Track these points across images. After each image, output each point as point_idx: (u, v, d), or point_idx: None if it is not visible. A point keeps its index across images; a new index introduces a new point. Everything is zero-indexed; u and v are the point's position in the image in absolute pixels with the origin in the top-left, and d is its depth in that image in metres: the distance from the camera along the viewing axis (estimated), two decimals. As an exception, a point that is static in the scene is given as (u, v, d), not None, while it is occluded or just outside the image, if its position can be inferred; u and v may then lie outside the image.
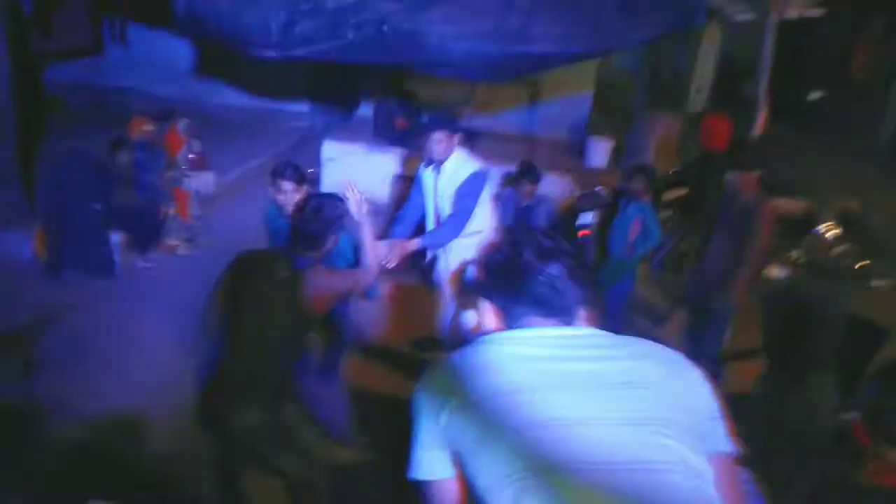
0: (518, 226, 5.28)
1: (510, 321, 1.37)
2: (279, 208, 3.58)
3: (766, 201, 3.80)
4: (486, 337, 1.34)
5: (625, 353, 1.29)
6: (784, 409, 2.25)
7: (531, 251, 1.36)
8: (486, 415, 1.21)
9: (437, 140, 3.73)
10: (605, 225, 5.40)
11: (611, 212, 5.26)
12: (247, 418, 2.60)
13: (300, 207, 2.77)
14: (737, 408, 3.43)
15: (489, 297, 1.41)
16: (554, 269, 1.34)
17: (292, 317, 2.60)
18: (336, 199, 2.87)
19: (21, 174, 5.53)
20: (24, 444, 3.53)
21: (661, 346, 1.35)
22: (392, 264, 3.55)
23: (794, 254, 6.75)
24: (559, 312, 1.34)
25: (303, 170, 3.62)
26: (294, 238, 2.74)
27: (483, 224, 3.93)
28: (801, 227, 6.95)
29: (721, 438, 1.27)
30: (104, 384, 4.02)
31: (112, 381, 4.06)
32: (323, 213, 2.72)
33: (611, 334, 1.35)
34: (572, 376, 1.23)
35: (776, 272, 6.16)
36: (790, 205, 7.09)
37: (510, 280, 1.37)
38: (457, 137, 3.79)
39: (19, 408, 3.75)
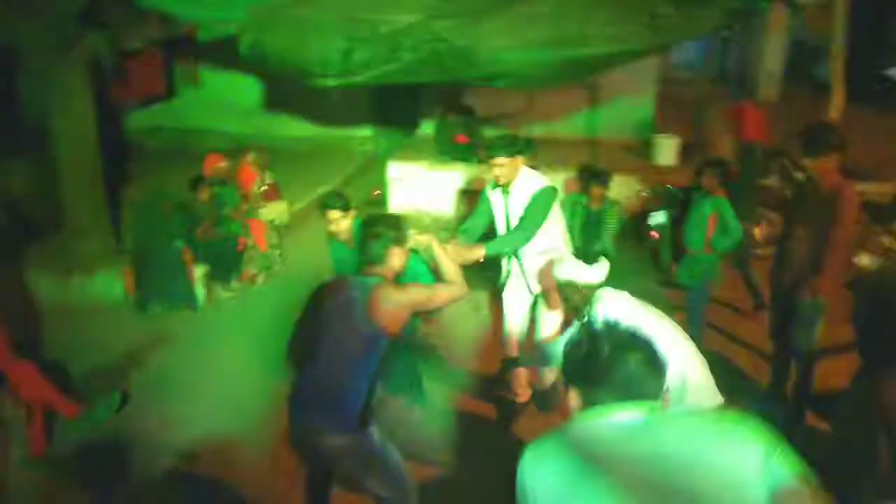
0: (587, 237, 5.24)
1: (592, 407, 1.52)
2: (336, 237, 3.69)
3: (849, 186, 3.60)
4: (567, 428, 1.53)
5: (680, 445, 1.44)
6: (882, 401, 2.12)
7: (610, 344, 1.51)
8: None
9: (499, 165, 3.72)
10: (680, 223, 5.27)
11: (685, 209, 5.12)
12: (334, 441, 2.66)
13: (362, 224, 2.83)
14: (835, 406, 3.29)
15: (573, 383, 1.57)
16: (632, 360, 1.49)
17: (361, 337, 2.64)
18: (390, 217, 2.91)
19: (109, 217, 5.86)
20: (123, 474, 3.71)
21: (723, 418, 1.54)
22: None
23: (885, 240, 6.40)
24: (638, 399, 1.49)
25: (347, 196, 3.71)
26: (360, 259, 2.80)
27: (555, 241, 3.88)
28: (890, 212, 6.59)
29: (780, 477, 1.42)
30: (195, 412, 4.19)
31: (202, 409, 4.22)
32: (376, 229, 2.77)
33: (676, 416, 1.53)
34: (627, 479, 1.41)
35: (867, 260, 5.86)
36: (876, 189, 6.73)
37: (591, 371, 1.53)
38: (520, 159, 3.76)
39: (118, 439, 3.95)
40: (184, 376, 4.62)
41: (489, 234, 4.02)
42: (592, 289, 2.92)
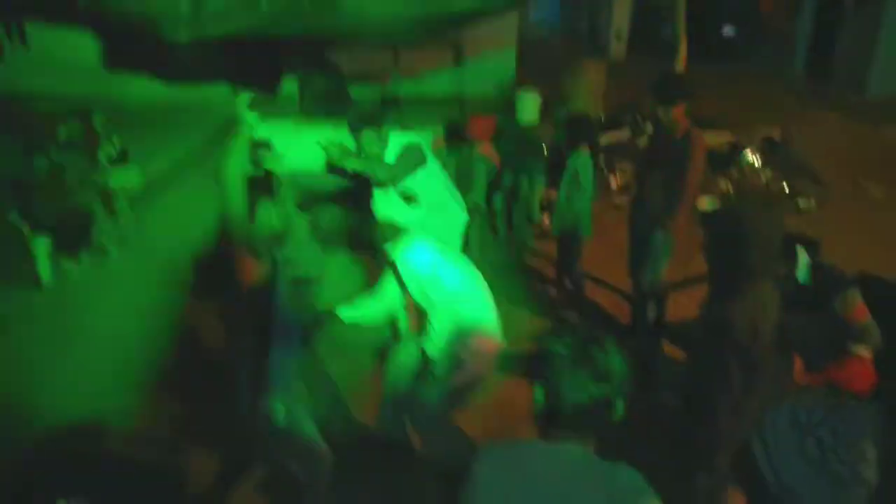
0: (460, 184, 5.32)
1: None
2: None
3: (698, 132, 3.90)
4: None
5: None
6: (730, 323, 2.34)
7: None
8: None
9: (368, 139, 3.74)
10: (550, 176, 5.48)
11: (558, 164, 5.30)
12: None
13: None
14: (687, 334, 3.56)
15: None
16: None
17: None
18: None
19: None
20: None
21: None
22: None
23: (722, 184, 7.01)
24: None
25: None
26: None
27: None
28: (726, 158, 7.20)
29: None
30: (49, 393, 3.88)
31: (56, 389, 3.91)
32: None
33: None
34: None
35: (706, 203, 6.38)
36: (715, 137, 7.32)
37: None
38: (385, 132, 3.78)
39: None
40: (34, 359, 4.25)
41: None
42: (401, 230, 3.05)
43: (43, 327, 4.63)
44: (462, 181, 5.37)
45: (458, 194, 4.23)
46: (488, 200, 5.70)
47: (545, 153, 5.97)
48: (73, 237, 5.42)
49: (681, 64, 5.65)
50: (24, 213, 5.18)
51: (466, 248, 5.44)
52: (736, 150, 7.15)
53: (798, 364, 3.37)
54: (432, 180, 3.92)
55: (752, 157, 7.09)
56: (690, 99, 3.86)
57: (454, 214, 4.13)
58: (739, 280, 2.37)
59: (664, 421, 3.38)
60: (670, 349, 4.32)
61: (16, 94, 8.55)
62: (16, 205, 5.17)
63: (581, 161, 4.70)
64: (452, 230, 4.11)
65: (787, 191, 6.86)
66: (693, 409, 2.69)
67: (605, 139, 6.90)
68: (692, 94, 3.88)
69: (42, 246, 5.21)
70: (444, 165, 5.33)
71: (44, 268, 5.21)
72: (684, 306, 4.39)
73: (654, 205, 4.01)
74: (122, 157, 5.88)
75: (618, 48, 12.52)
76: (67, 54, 8.50)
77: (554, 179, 5.73)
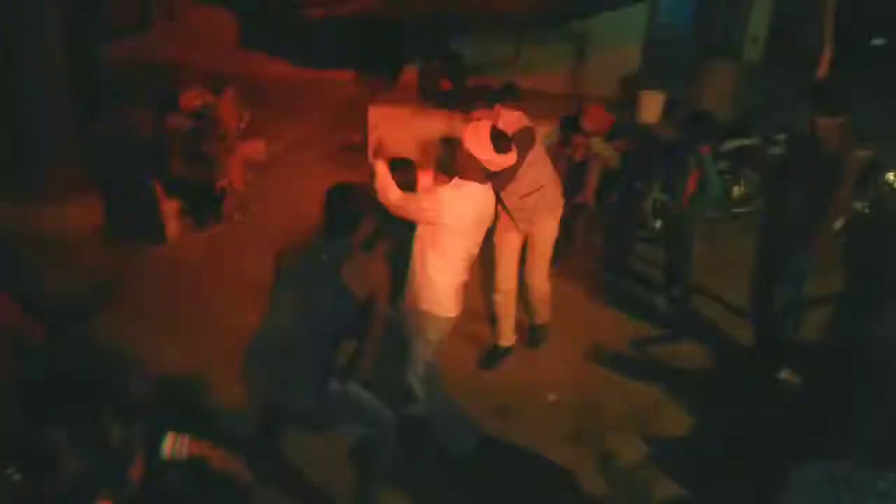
0: (570, 188, 5.21)
1: None
2: None
3: (853, 149, 3.63)
4: None
5: None
6: (864, 343, 2.17)
7: None
8: None
9: (477, 118, 3.65)
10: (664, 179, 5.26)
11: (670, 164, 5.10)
12: (295, 402, 2.71)
13: (328, 194, 2.76)
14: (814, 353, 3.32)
15: None
16: None
17: (332, 301, 2.62)
18: (361, 189, 2.85)
19: (81, 147, 5.68)
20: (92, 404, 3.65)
21: None
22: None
23: (858, 204, 6.49)
24: None
25: None
26: (327, 224, 2.73)
27: (543, 179, 3.88)
28: (863, 175, 6.66)
29: None
30: (166, 346, 4.14)
31: (172, 343, 4.17)
32: (348, 201, 2.72)
33: None
34: None
35: (840, 223, 5.94)
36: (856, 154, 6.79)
37: None
38: (497, 108, 3.69)
39: (88, 369, 3.88)
40: (153, 311, 4.55)
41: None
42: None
43: (166, 283, 4.95)
44: (574, 177, 5.27)
45: (558, 183, 4.11)
46: (599, 198, 5.55)
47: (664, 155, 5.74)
48: (200, 202, 5.77)
49: (823, 67, 5.28)
50: (156, 175, 5.55)
51: (568, 243, 5.35)
52: (874, 167, 6.60)
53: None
54: (539, 165, 3.85)
55: (893, 177, 6.54)
56: (849, 111, 3.59)
57: (552, 200, 4.03)
58: (876, 298, 2.19)
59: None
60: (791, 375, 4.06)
61: (158, 62, 9.20)
62: (149, 166, 5.55)
63: (706, 162, 4.48)
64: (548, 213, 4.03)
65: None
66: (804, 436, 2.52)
67: (732, 144, 6.55)
68: (851, 107, 3.61)
69: (171, 208, 5.57)
70: (556, 159, 5.26)
71: (172, 228, 5.58)
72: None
73: (794, 221, 3.75)
74: (250, 130, 6.18)
75: (753, 52, 11.86)
76: (209, 30, 9.05)
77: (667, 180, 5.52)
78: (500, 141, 3.03)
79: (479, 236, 3.21)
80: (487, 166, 3.03)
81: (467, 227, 3.09)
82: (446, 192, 3.09)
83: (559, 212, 4.07)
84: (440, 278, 3.12)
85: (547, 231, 4.04)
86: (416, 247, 3.17)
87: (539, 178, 3.85)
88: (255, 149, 6.18)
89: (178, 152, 5.72)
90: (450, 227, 3.04)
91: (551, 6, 4.85)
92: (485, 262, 4.32)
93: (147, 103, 6.11)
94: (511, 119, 3.70)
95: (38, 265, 4.84)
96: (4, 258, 4.86)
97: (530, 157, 3.72)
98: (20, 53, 5.15)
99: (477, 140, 3.00)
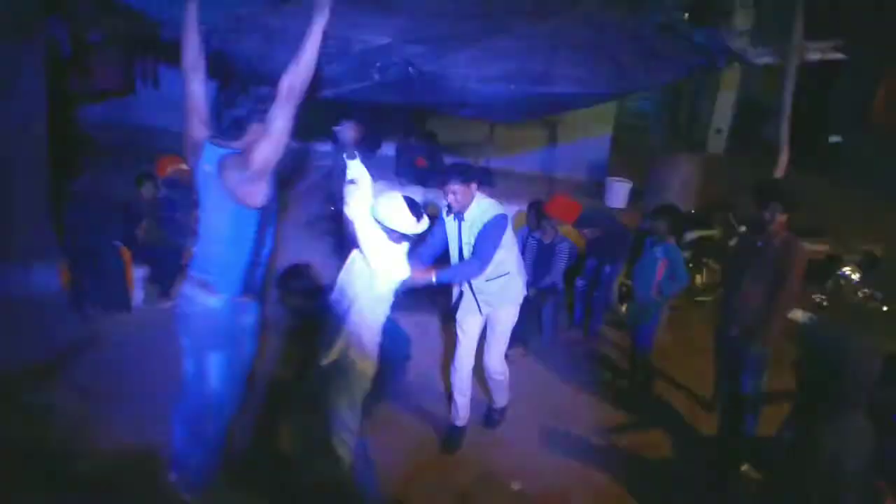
0: (538, 271, 5.33)
1: None
2: None
3: (800, 243, 3.78)
4: None
5: None
6: (812, 450, 2.21)
7: None
8: None
9: (453, 192, 3.76)
10: (630, 265, 5.42)
11: (635, 252, 5.28)
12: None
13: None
14: (768, 453, 3.37)
15: None
16: None
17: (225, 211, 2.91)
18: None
19: (52, 210, 5.65)
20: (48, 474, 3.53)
21: None
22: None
23: (817, 297, 6.69)
24: None
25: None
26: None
27: (509, 267, 3.96)
28: (823, 271, 6.90)
29: None
30: (122, 414, 4.03)
31: (129, 412, 4.06)
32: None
33: None
34: None
35: (800, 315, 6.10)
36: (812, 248, 7.04)
37: None
38: (474, 186, 3.80)
39: (45, 437, 3.76)
40: (113, 377, 4.45)
41: (442, 258, 4.05)
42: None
43: (128, 350, 4.86)
44: (542, 260, 5.38)
45: (523, 273, 4.22)
46: (568, 283, 5.65)
47: (630, 242, 5.90)
48: (168, 270, 5.72)
49: (781, 167, 5.52)
50: (125, 241, 5.53)
51: (534, 328, 5.41)
52: (833, 262, 6.85)
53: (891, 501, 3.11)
54: (505, 252, 3.93)
55: (851, 271, 6.77)
56: (795, 208, 3.76)
57: (515, 289, 4.11)
58: (827, 406, 2.24)
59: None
60: (750, 470, 4.09)
61: (141, 127, 9.28)
62: (118, 232, 5.53)
63: (672, 252, 4.66)
64: (509, 301, 4.10)
65: (884, 310, 6.49)
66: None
67: (694, 234, 6.77)
68: (797, 205, 3.78)
69: (139, 275, 5.52)
70: (526, 242, 5.38)
71: (138, 296, 5.51)
72: (765, 424, 4.17)
73: (745, 312, 3.87)
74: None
75: (716, 144, 12.38)
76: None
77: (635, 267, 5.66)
78: (415, 209, 3.28)
79: None
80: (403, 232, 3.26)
81: None
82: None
83: (520, 300, 4.14)
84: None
85: (506, 316, 4.10)
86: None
87: (506, 264, 3.93)
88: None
89: (149, 219, 5.72)
90: None
91: (522, 112, 5.05)
92: (447, 341, 4.32)
93: (123, 168, 6.14)
94: (483, 206, 3.81)
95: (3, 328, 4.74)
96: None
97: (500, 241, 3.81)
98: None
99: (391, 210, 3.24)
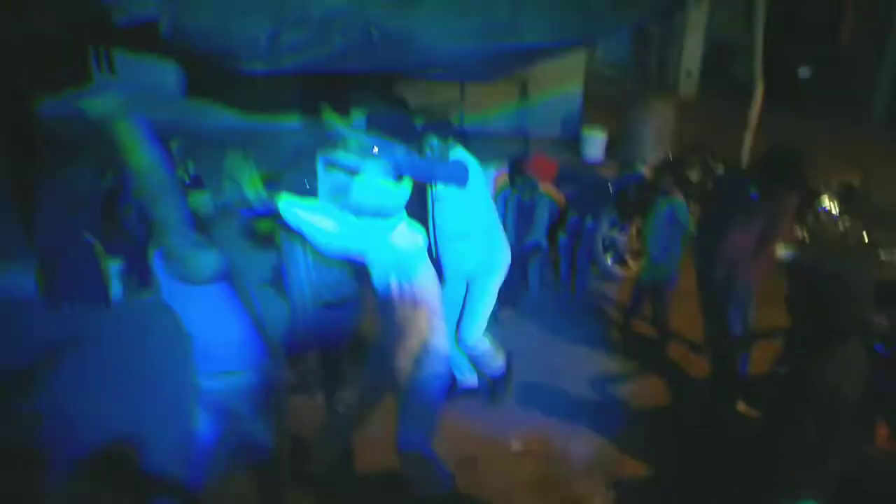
0: (520, 230, 5.27)
1: None
2: None
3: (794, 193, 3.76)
4: None
5: None
6: (809, 381, 2.20)
7: None
8: None
9: (430, 146, 3.66)
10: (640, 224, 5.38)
11: (645, 211, 5.21)
12: None
13: None
14: (762, 391, 3.38)
15: None
16: None
17: None
18: None
19: (18, 209, 5.48)
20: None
21: None
22: None
23: (799, 232, 6.71)
24: None
25: None
26: None
27: (470, 226, 3.81)
28: (802, 205, 6.91)
29: None
30: (107, 412, 3.95)
31: (115, 409, 3.98)
32: None
33: None
34: None
35: (782, 251, 6.12)
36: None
37: None
38: (451, 141, 3.71)
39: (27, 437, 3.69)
40: (97, 375, 4.35)
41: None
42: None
43: (108, 347, 4.76)
44: (524, 219, 5.32)
45: (503, 236, 4.06)
46: (551, 241, 5.61)
47: (610, 193, 5.86)
48: (144, 260, 5.59)
49: (756, 104, 5.50)
50: (97, 234, 5.38)
51: (521, 288, 5.38)
52: (813, 197, 6.86)
53: (883, 429, 3.14)
54: (480, 212, 3.82)
55: (830, 204, 6.79)
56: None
57: (496, 252, 3.98)
58: (824, 336, 2.22)
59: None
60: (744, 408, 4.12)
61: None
62: (90, 225, 5.38)
63: (679, 206, 4.62)
64: (491, 268, 3.95)
65: (866, 240, 6.52)
66: (761, 473, 2.53)
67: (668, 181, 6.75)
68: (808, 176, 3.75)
69: (114, 267, 5.39)
70: (506, 203, 5.31)
71: (114, 289, 5.39)
72: (758, 362, 4.19)
73: (731, 253, 3.84)
74: (195, 183, 6.06)
75: (688, 86, 12.30)
76: (150, 82, 8.91)
77: (625, 223, 5.66)
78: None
79: None
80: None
81: None
82: None
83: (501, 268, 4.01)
84: None
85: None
86: None
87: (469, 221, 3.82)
88: (200, 202, 6.05)
89: (118, 210, 5.57)
90: None
91: (492, 69, 4.93)
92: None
93: (89, 160, 5.95)
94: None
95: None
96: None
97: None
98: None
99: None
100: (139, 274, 5.59)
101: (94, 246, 5.31)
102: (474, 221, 3.78)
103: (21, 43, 6.65)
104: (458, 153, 3.71)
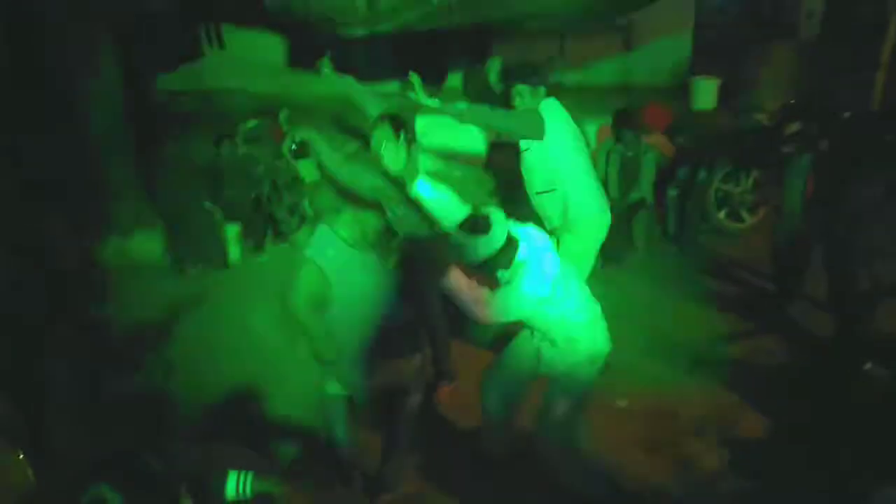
0: (624, 185, 5.08)
1: None
2: None
3: None
4: None
5: None
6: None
7: None
8: None
9: (519, 94, 3.54)
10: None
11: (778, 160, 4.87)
12: None
13: None
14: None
15: None
16: None
17: None
18: None
19: (143, 179, 5.87)
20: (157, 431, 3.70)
21: None
22: None
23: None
24: None
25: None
26: None
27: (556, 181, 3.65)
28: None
29: None
30: (228, 370, 4.19)
31: (235, 367, 4.22)
32: None
33: None
34: None
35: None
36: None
37: None
38: (541, 91, 3.56)
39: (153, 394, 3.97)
40: (217, 334, 4.63)
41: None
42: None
43: (229, 306, 5.04)
44: (629, 174, 5.14)
45: (602, 192, 3.84)
46: (660, 195, 5.38)
47: (725, 143, 5.53)
48: (259, 225, 5.88)
49: (891, 42, 5.01)
50: (215, 200, 5.69)
51: (626, 245, 5.19)
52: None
53: None
54: (565, 165, 3.63)
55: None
56: None
57: (593, 216, 3.75)
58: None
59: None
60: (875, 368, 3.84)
61: (211, 90, 9.43)
62: (209, 193, 5.70)
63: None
64: (588, 234, 3.75)
65: None
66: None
67: (791, 128, 6.30)
68: None
69: (232, 232, 5.69)
70: (609, 157, 5.13)
71: (233, 252, 5.70)
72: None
73: (856, 203, 3.56)
74: (302, 151, 6.26)
75: (809, 28, 11.37)
76: (257, 55, 9.22)
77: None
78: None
79: None
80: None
81: None
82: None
83: None
84: None
85: None
86: None
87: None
88: (307, 169, 6.25)
89: (234, 176, 5.84)
90: None
91: (592, 12, 4.71)
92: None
93: (202, 131, 6.27)
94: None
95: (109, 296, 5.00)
96: (79, 292, 5.06)
97: None
98: (78, 91, 5.35)
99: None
100: (254, 238, 5.88)
101: (213, 212, 5.64)
102: (559, 175, 3.62)
103: (137, 22, 7.06)
104: (549, 104, 3.58)
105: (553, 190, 3.62)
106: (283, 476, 2.48)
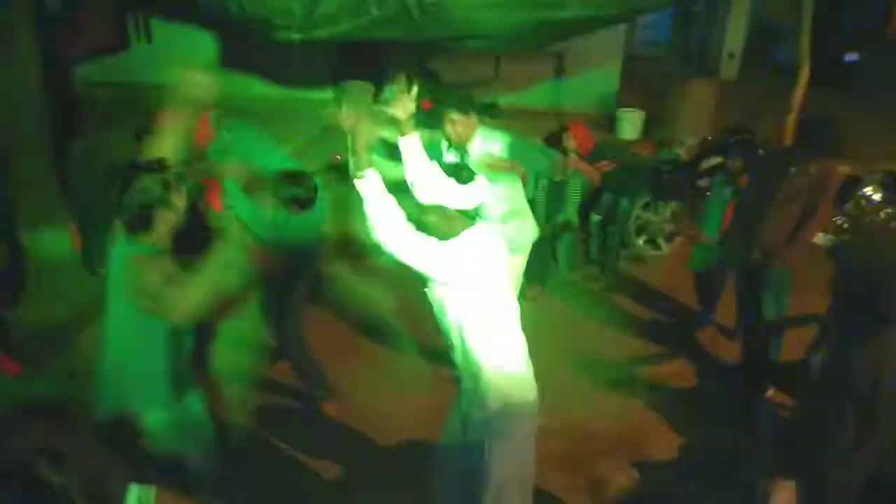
0: (551, 208, 5.19)
1: None
2: None
3: (836, 170, 3.64)
4: None
5: None
6: (850, 369, 2.14)
7: None
8: None
9: (453, 121, 3.50)
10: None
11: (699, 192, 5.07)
12: None
13: None
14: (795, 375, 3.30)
15: None
16: None
17: None
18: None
19: (54, 172, 5.57)
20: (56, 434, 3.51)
21: None
22: None
23: (838, 219, 6.53)
24: None
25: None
26: None
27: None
28: (843, 192, 6.71)
29: None
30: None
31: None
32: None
33: None
34: None
35: (821, 238, 5.97)
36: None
37: None
38: (474, 118, 3.53)
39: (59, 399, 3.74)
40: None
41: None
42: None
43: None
44: (555, 196, 5.25)
45: (529, 210, 3.98)
46: (583, 219, 5.53)
47: (646, 174, 5.75)
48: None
49: (801, 84, 5.34)
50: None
51: (550, 266, 5.31)
52: (854, 183, 6.66)
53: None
54: (511, 189, 3.74)
55: (873, 192, 6.58)
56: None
57: (524, 230, 3.89)
58: (868, 324, 2.15)
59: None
60: (776, 394, 4.06)
61: (136, 84, 9.07)
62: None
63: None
64: (519, 246, 3.83)
65: (910, 230, 6.32)
66: (797, 460, 2.47)
67: (708, 164, 6.61)
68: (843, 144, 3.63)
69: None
70: (538, 180, 5.23)
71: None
72: (790, 347, 4.12)
73: (768, 236, 3.76)
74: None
75: (729, 68, 12.02)
76: (186, 50, 8.95)
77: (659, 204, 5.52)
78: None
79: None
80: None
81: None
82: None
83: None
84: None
85: None
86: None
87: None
88: (234, 170, 6.08)
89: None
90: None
91: (527, 37, 4.83)
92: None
93: (122, 126, 6.00)
94: (488, 142, 3.63)
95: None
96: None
97: None
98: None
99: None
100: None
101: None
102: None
103: (64, 9, 6.75)
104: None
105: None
106: (188, 488, 2.36)
